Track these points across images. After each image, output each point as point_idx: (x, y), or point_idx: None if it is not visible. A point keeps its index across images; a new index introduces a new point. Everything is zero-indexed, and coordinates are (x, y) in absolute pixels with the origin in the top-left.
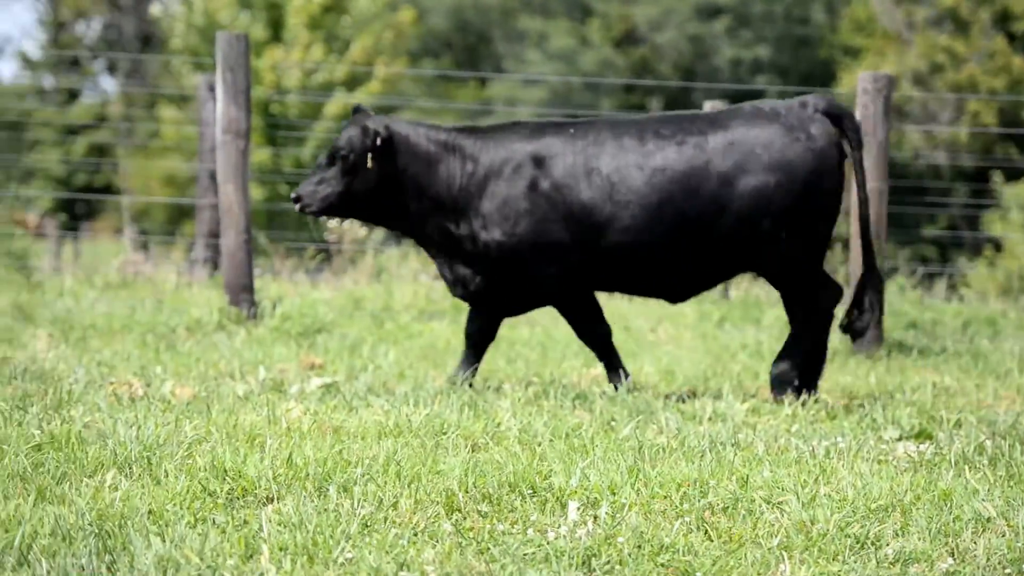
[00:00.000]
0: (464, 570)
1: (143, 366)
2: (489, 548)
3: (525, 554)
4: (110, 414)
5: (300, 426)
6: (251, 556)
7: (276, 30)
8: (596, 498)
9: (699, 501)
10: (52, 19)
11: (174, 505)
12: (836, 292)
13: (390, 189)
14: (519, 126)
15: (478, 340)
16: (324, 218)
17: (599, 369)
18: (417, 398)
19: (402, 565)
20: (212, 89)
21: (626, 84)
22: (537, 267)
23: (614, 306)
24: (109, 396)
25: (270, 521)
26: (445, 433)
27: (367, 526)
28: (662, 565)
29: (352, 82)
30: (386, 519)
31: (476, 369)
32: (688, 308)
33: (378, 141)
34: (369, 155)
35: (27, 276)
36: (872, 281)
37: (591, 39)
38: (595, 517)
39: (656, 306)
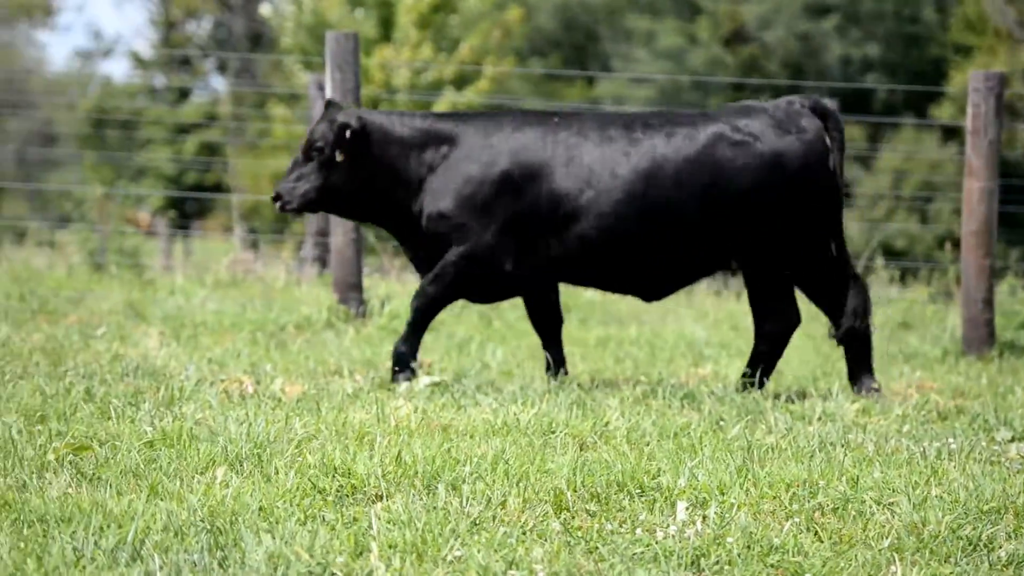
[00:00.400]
0: (573, 569)
1: (253, 364)
2: (597, 547)
3: (634, 554)
4: (221, 411)
5: (409, 424)
6: (360, 553)
7: (387, 29)
8: (705, 498)
9: (809, 502)
10: (163, 19)
11: (284, 502)
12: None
13: (368, 180)
14: (504, 115)
15: (545, 327)
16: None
17: (707, 368)
18: (525, 397)
19: (511, 564)
20: (321, 88)
21: (735, 83)
22: (467, 248)
23: (722, 304)
24: (220, 393)
25: (379, 519)
26: (553, 432)
27: (476, 524)
28: (771, 566)
29: (460, 81)
30: (495, 517)
31: (562, 356)
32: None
33: (347, 134)
34: (337, 149)
35: (139, 274)
36: (852, 286)
37: (699, 37)
38: (704, 517)
39: None
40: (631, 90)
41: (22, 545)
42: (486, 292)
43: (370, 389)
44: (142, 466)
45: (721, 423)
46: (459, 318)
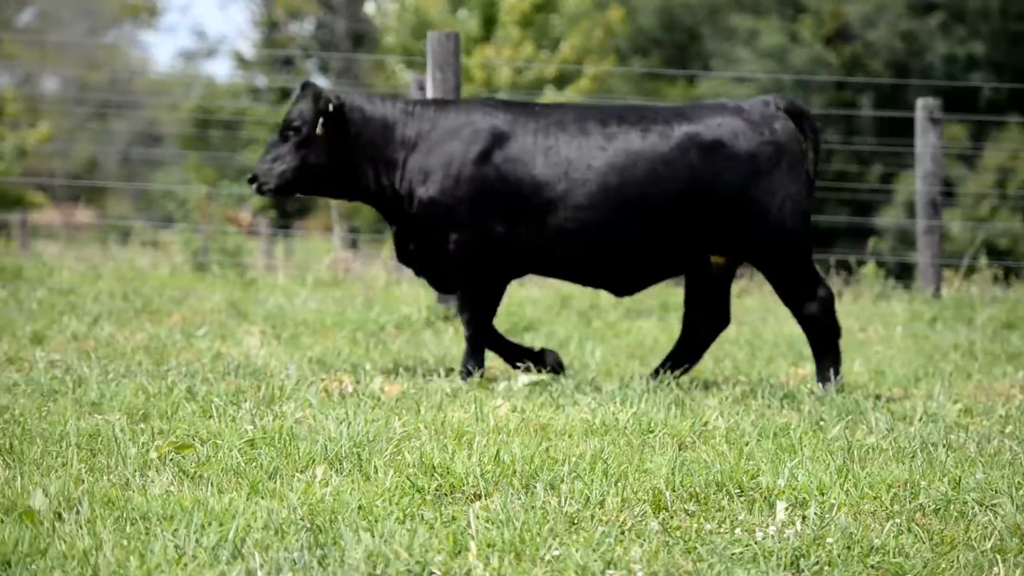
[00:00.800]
0: (671, 569)
1: (353, 363)
2: (696, 547)
3: (733, 554)
4: (321, 410)
5: (507, 423)
6: (459, 552)
7: (488, 28)
8: (804, 498)
9: (910, 502)
10: (266, 19)
11: (383, 501)
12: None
13: (346, 159)
14: (485, 101)
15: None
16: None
17: (808, 368)
18: (624, 396)
19: (609, 563)
20: (423, 88)
21: (837, 82)
22: (464, 234)
23: None
24: (320, 392)
25: (478, 518)
26: (652, 431)
27: (574, 524)
28: (872, 567)
29: (561, 80)
30: (593, 517)
31: (520, 346)
32: (899, 308)
33: (329, 107)
34: (320, 120)
35: (241, 273)
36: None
37: (802, 36)
38: (803, 517)
39: (867, 305)
40: (733, 89)
41: (125, 542)
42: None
43: (469, 388)
44: (243, 464)
45: (821, 423)
46: (558, 317)
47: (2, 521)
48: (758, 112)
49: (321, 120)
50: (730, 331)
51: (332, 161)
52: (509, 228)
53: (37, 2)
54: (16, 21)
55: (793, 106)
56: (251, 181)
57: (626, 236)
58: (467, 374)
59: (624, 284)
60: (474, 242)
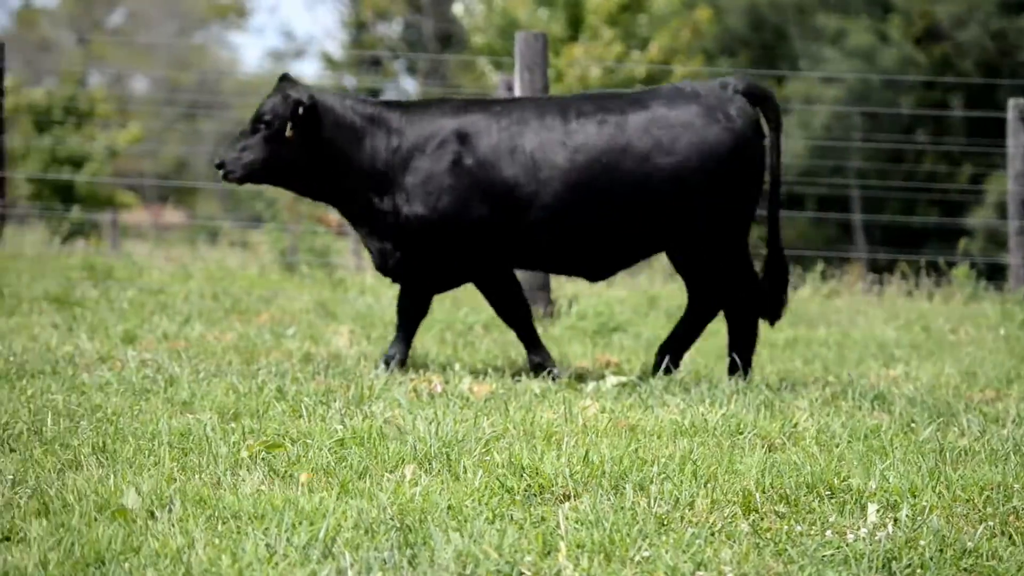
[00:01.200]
0: (762, 571)
1: (442, 363)
2: (786, 549)
3: (823, 556)
4: (410, 410)
5: (596, 424)
6: (548, 553)
7: (575, 28)
8: (896, 500)
9: (1003, 505)
10: (354, 20)
11: (472, 501)
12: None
13: (313, 159)
14: (444, 103)
15: (411, 315)
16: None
17: (898, 370)
18: (713, 397)
19: (699, 565)
20: (511, 88)
21: (926, 82)
22: (458, 243)
23: (913, 306)
24: (409, 392)
25: (567, 518)
26: (741, 433)
27: (663, 525)
28: (965, 570)
29: (650, 80)
30: (682, 518)
31: (409, 346)
32: (991, 309)
33: (299, 110)
34: (289, 124)
35: (329, 273)
36: (775, 264)
37: (891, 36)
38: (895, 520)
39: (958, 306)
40: (820, 89)
41: (217, 541)
42: (446, 280)
43: (558, 389)
44: (333, 464)
45: (912, 425)
46: (646, 318)
47: (96, 519)
48: (714, 97)
49: (290, 124)
50: (819, 332)
51: (300, 159)
52: (492, 226)
53: (127, 3)
54: (106, 22)
55: (753, 88)
56: (218, 167)
57: (591, 228)
58: (548, 364)
59: (596, 271)
60: (465, 244)
